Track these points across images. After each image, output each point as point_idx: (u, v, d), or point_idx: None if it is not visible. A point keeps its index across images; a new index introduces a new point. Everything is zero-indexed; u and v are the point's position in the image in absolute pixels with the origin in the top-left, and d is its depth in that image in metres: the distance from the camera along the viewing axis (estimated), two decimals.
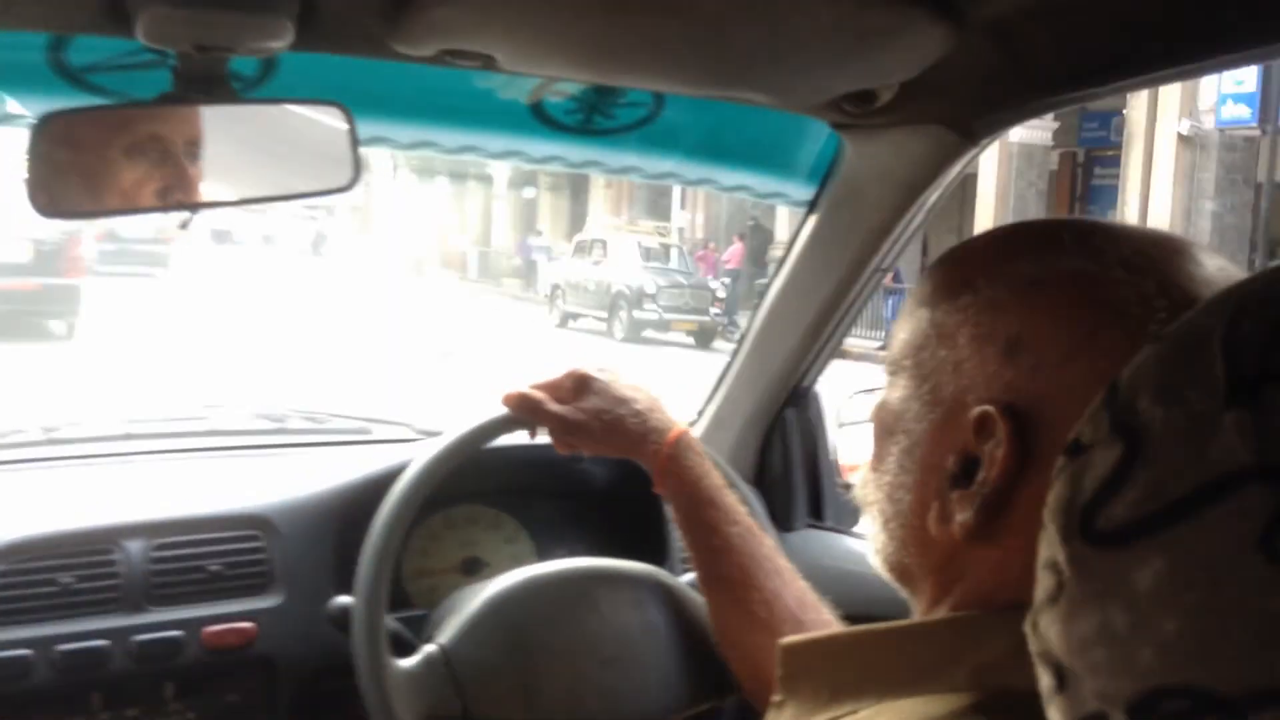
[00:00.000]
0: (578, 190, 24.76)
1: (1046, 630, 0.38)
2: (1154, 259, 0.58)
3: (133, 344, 10.47)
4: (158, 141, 0.96)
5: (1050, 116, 11.85)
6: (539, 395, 1.11)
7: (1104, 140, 15.29)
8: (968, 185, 13.70)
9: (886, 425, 0.66)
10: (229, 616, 1.23)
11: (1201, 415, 0.34)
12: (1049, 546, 0.39)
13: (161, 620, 1.21)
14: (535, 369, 1.16)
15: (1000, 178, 14.31)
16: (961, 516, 0.58)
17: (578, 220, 23.70)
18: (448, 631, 1.09)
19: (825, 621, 1.06)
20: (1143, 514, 0.35)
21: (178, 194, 0.98)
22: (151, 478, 1.42)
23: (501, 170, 23.54)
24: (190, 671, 1.22)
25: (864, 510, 0.69)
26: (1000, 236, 0.66)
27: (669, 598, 1.16)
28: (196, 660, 1.21)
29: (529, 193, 25.55)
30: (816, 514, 1.60)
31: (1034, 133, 13.98)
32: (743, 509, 1.10)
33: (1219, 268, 0.59)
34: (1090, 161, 16.54)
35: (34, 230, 10.42)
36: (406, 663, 1.06)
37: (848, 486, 1.63)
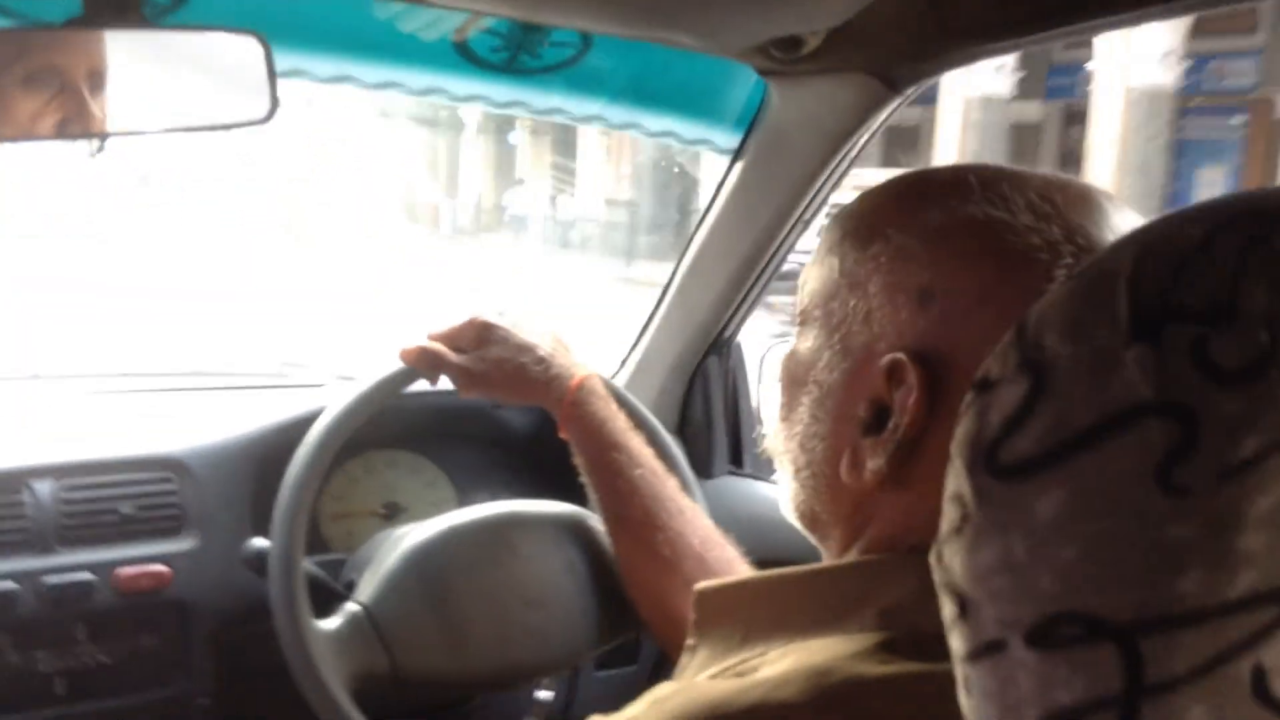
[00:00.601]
0: (565, 139, 21.66)
1: (950, 560, 0.39)
2: (1060, 205, 0.59)
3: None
4: (56, 72, 0.92)
5: None
6: (438, 347, 1.11)
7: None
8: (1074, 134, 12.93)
9: (796, 376, 0.66)
10: (142, 559, 1.21)
11: (1105, 351, 0.35)
12: (955, 480, 0.40)
13: (72, 562, 1.18)
14: (436, 320, 1.15)
15: (1123, 128, 13.18)
16: (873, 463, 0.59)
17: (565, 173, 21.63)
18: (368, 588, 1.08)
19: (730, 559, 1.08)
20: (1045, 447, 0.36)
21: (77, 125, 0.94)
22: (61, 419, 1.39)
23: (473, 114, 21.62)
24: (103, 615, 1.19)
25: (775, 460, 0.70)
26: (907, 184, 0.66)
27: (586, 536, 1.17)
28: (109, 604, 1.19)
29: (513, 138, 23.42)
30: (737, 462, 1.61)
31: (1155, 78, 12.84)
32: (648, 452, 1.11)
33: (1122, 214, 0.60)
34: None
35: None
36: (329, 624, 1.05)
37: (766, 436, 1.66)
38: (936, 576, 0.41)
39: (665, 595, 1.06)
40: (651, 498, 1.08)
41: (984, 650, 0.37)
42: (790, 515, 0.69)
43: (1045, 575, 0.35)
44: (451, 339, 1.12)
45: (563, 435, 1.12)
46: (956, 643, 0.39)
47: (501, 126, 22.81)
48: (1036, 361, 0.37)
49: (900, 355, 0.58)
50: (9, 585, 1.14)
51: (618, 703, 0.59)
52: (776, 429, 0.69)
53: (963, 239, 0.59)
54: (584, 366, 1.14)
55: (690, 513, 1.10)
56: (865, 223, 0.64)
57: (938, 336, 0.58)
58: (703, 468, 1.55)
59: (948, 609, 0.40)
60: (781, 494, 0.69)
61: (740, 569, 1.07)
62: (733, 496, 1.51)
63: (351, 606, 1.07)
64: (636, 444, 1.11)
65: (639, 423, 1.19)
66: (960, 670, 0.39)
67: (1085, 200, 0.60)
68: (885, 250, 0.61)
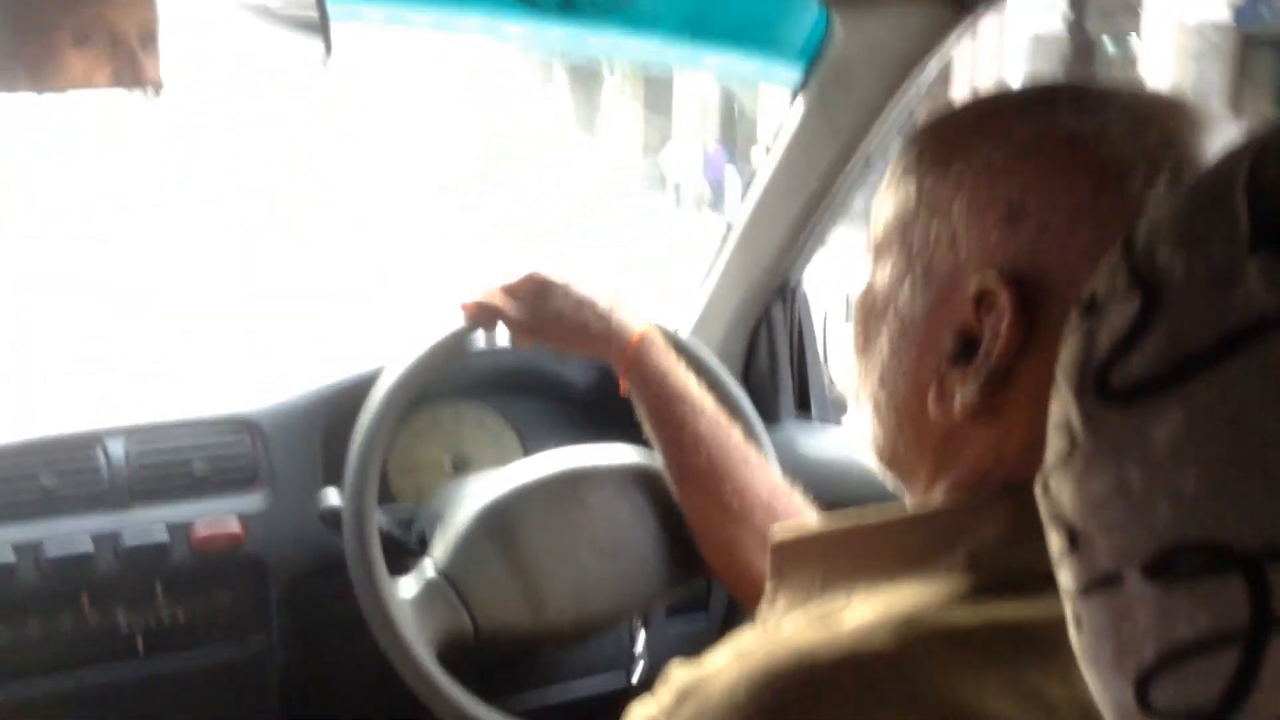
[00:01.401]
0: (657, 93, 19.29)
1: (1058, 491, 0.37)
2: (1154, 114, 0.55)
3: None
4: (108, 28, 0.92)
5: None
6: (498, 300, 1.10)
7: None
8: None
9: (873, 309, 0.63)
10: (216, 516, 1.23)
11: (1224, 263, 0.32)
12: (1061, 405, 0.37)
13: (147, 520, 1.20)
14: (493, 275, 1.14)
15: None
16: (962, 395, 0.56)
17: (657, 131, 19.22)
18: (443, 551, 1.09)
19: (797, 508, 1.07)
20: (1161, 367, 0.33)
21: (129, 77, 0.94)
22: (134, 382, 1.41)
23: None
24: (179, 572, 1.22)
25: (852, 399, 0.67)
26: (989, 100, 0.62)
27: (652, 483, 1.16)
28: (185, 561, 1.21)
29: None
30: (804, 407, 1.59)
31: None
32: (711, 402, 1.10)
33: (1218, 122, 0.56)
34: None
35: None
36: (408, 589, 1.06)
37: (834, 382, 1.63)
38: (1042, 508, 0.38)
39: (735, 546, 1.04)
40: (717, 448, 1.06)
41: (1098, 584, 0.35)
42: (870, 455, 0.66)
43: (1163, 503, 0.33)
44: (511, 293, 1.12)
45: (623, 390, 1.11)
46: (1066, 577, 0.37)
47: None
48: (1148, 277, 0.35)
49: (990, 278, 0.55)
50: (87, 546, 1.16)
51: (690, 649, 0.58)
52: (852, 366, 0.66)
53: (1054, 151, 0.55)
54: (644, 319, 1.13)
55: (756, 461, 1.08)
56: (945, 141, 0.60)
57: (1030, 256, 0.54)
58: (769, 414, 1.53)
59: (1055, 542, 0.37)
60: (859, 433, 0.67)
61: (809, 516, 1.06)
62: (800, 442, 1.49)
63: (429, 571, 1.07)
64: (699, 395, 1.09)
65: (703, 372, 1.17)
66: (1070, 606, 0.37)
67: (1179, 109, 0.56)
68: (969, 168, 0.57)
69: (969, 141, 0.58)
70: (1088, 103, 0.56)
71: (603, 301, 1.12)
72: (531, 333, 1.11)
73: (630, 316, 1.12)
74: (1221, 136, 0.55)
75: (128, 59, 0.93)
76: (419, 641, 1.02)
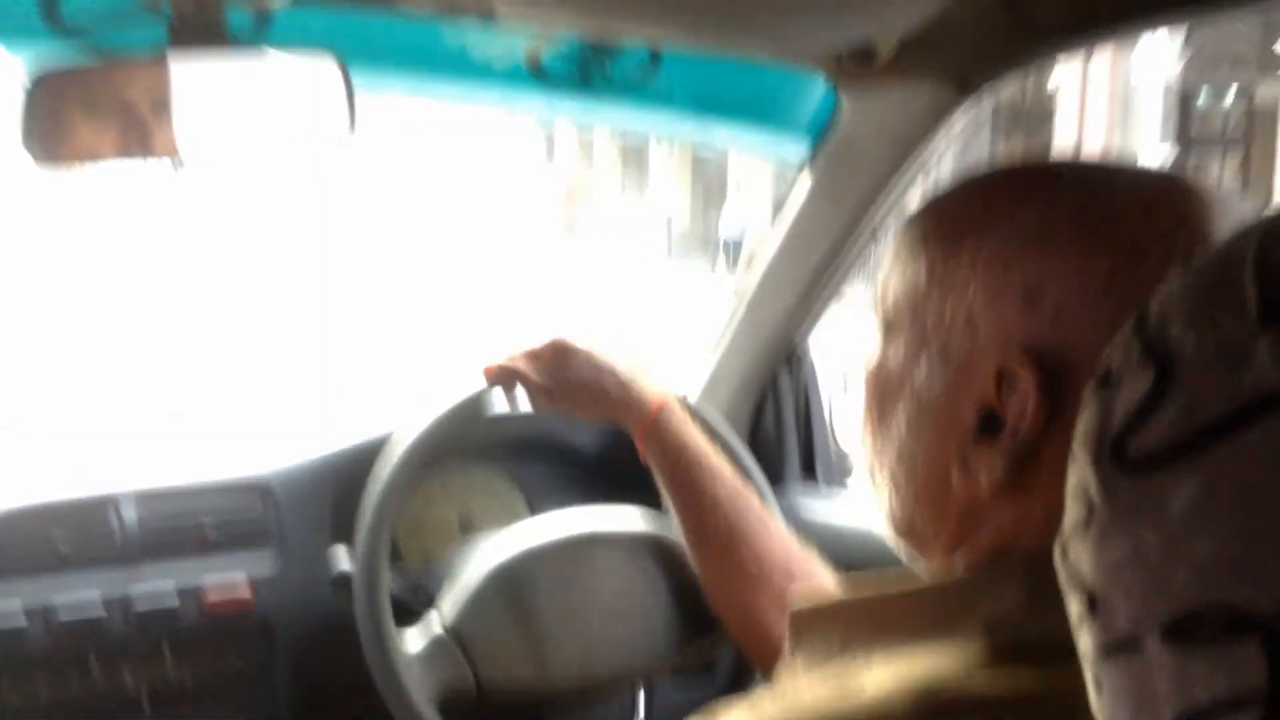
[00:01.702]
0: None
1: (1077, 556, 0.38)
2: (1165, 195, 0.57)
3: None
4: (120, 102, 0.93)
5: None
6: (520, 365, 1.12)
7: None
8: None
9: (888, 388, 0.63)
10: (227, 580, 1.23)
11: (1234, 340, 0.34)
12: (1079, 473, 0.38)
13: (158, 580, 1.21)
14: (516, 338, 1.16)
15: None
16: (988, 472, 0.57)
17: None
18: (450, 608, 1.09)
19: (815, 572, 1.07)
20: (1175, 438, 0.35)
21: (139, 150, 0.95)
22: (147, 449, 1.42)
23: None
24: (188, 635, 1.22)
25: (870, 474, 0.67)
26: (990, 184, 0.62)
27: (661, 549, 1.17)
28: (194, 625, 1.21)
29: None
30: (809, 471, 1.60)
31: None
32: (729, 470, 1.11)
33: (1226, 202, 0.58)
34: None
35: None
36: (414, 644, 1.07)
37: (843, 450, 1.64)
38: (1061, 574, 0.40)
39: (754, 612, 1.05)
40: (736, 515, 1.07)
41: (1117, 648, 0.36)
42: (885, 526, 0.67)
43: (1181, 569, 0.34)
44: (533, 357, 1.13)
45: (642, 457, 1.12)
46: (1085, 641, 0.38)
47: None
48: (1161, 352, 0.36)
49: (1012, 358, 0.55)
50: (98, 611, 1.17)
51: (695, 711, 0.58)
52: (866, 442, 0.66)
53: (1066, 236, 0.56)
54: (663, 387, 1.14)
55: (774, 528, 1.09)
56: (950, 225, 0.61)
57: (1049, 336, 0.55)
58: (775, 478, 1.54)
59: (1075, 607, 0.38)
60: (873, 506, 0.67)
61: (825, 580, 1.06)
62: (807, 507, 1.50)
63: (436, 627, 1.08)
64: (717, 462, 1.10)
65: (717, 440, 1.19)
66: (1090, 670, 0.38)
67: (1186, 190, 0.57)
68: (979, 255, 0.58)
69: (977, 225, 0.59)
70: (1096, 183, 0.58)
71: (623, 368, 1.13)
72: (552, 397, 1.12)
73: (650, 384, 1.13)
74: (1231, 216, 0.56)
75: (137, 129, 0.95)
76: (421, 696, 1.03)
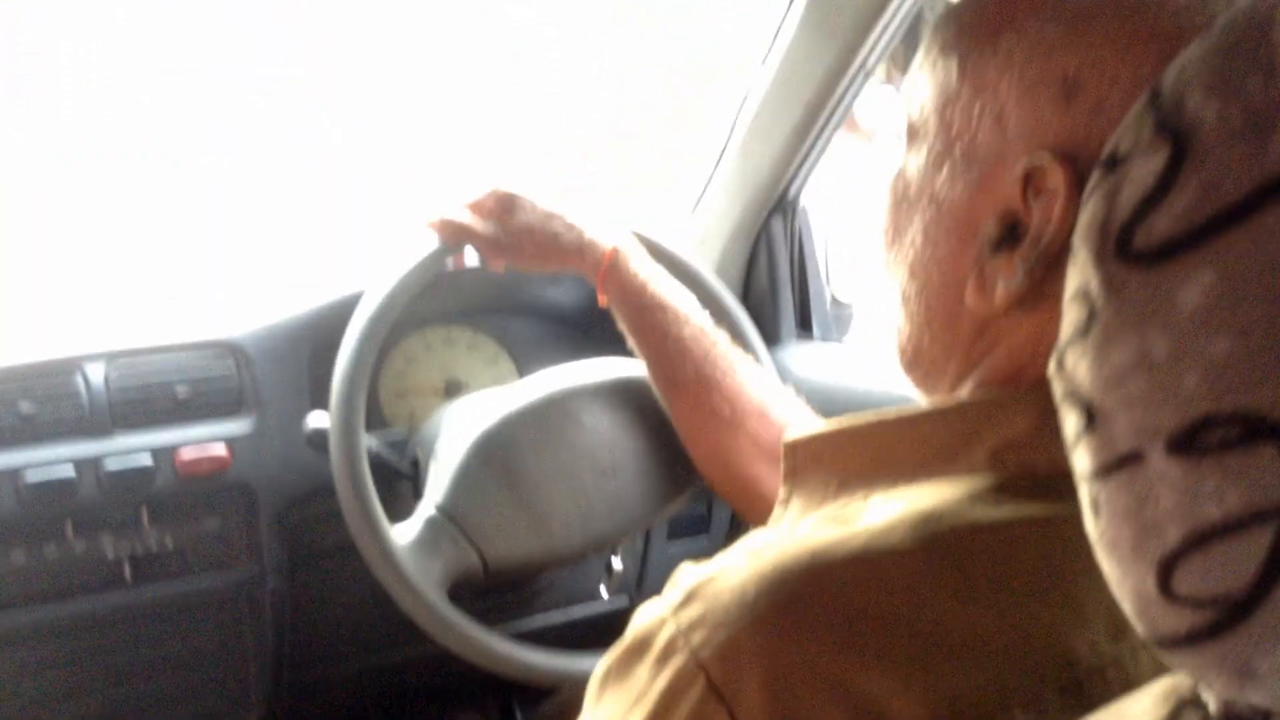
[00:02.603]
0: None
1: (1075, 366, 0.34)
2: None
3: None
4: None
5: None
6: (464, 218, 1.06)
7: None
8: None
9: (906, 197, 0.59)
10: (201, 441, 1.20)
11: (1260, 107, 0.29)
12: (1079, 274, 0.34)
13: (130, 445, 1.18)
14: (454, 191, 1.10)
15: None
16: (1005, 283, 0.53)
17: None
18: (440, 489, 1.06)
19: (793, 411, 1.03)
20: (1190, 224, 0.30)
21: None
22: (115, 312, 1.37)
23: None
24: (165, 498, 1.19)
25: (883, 290, 0.63)
26: None
27: (641, 394, 1.13)
28: (170, 487, 1.19)
29: None
30: (805, 326, 1.56)
31: None
32: (695, 308, 1.06)
33: None
34: None
35: None
36: (409, 531, 1.03)
37: (840, 301, 1.59)
38: (1057, 388, 0.35)
39: (730, 455, 1.01)
40: (702, 356, 1.03)
41: (1117, 464, 0.32)
42: (895, 353, 0.63)
43: (1191, 372, 0.30)
44: (474, 208, 1.08)
45: (601, 303, 1.08)
46: (1083, 459, 0.34)
47: None
48: (1176, 126, 0.31)
49: (1041, 157, 0.51)
50: (68, 471, 1.14)
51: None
52: (881, 259, 0.62)
53: (1114, 20, 0.50)
54: (620, 230, 1.09)
55: (745, 367, 1.05)
56: (989, 14, 0.55)
57: (1086, 133, 0.50)
58: (770, 334, 1.50)
59: (1072, 422, 0.34)
60: (885, 329, 0.63)
61: (807, 418, 1.03)
62: (803, 361, 1.46)
63: (429, 511, 1.04)
64: (682, 301, 1.05)
65: (692, 281, 1.14)
66: (1087, 490, 0.34)
67: None
68: (1019, 41, 0.53)
69: (1017, 14, 0.54)
70: None
71: (570, 214, 1.07)
72: (501, 249, 1.07)
73: (601, 227, 1.08)
74: None
75: None
76: (426, 583, 1.00)
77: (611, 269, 1.05)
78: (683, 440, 1.07)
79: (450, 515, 1.04)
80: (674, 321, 1.04)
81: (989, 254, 0.54)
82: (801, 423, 0.94)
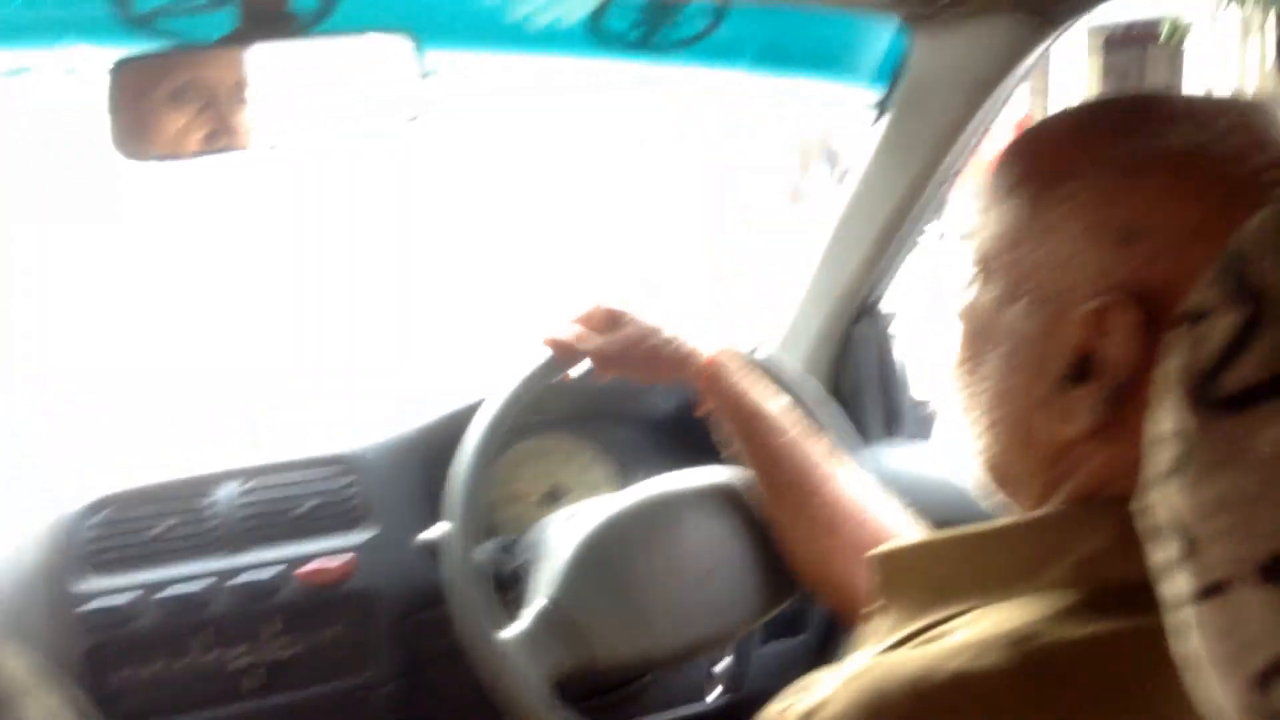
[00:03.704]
0: None
1: (1173, 499, 0.37)
2: (1261, 133, 0.55)
3: None
4: (202, 86, 0.95)
5: None
6: (575, 330, 1.13)
7: None
8: None
9: (980, 329, 0.63)
10: (324, 553, 1.26)
11: None
12: (1170, 415, 0.38)
13: (258, 560, 1.24)
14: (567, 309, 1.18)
15: None
16: (1084, 416, 0.56)
17: None
18: (548, 584, 1.09)
19: (889, 516, 1.06)
20: (1266, 376, 0.34)
21: (224, 139, 0.97)
22: (241, 424, 1.45)
23: None
24: (289, 609, 1.24)
25: (962, 414, 0.66)
26: (1092, 115, 0.61)
27: (741, 500, 1.16)
28: (294, 597, 1.24)
29: None
30: (891, 427, 1.58)
31: None
32: (793, 417, 1.10)
33: None
34: None
35: None
36: (519, 626, 1.06)
37: (922, 402, 1.62)
38: (1151, 517, 0.39)
39: (827, 559, 1.05)
40: (801, 462, 1.07)
41: (1212, 590, 0.35)
42: (979, 470, 0.66)
43: (1273, 510, 0.33)
44: (583, 323, 1.15)
45: (704, 410, 1.13)
46: (1180, 584, 0.37)
47: None
48: (1251, 287, 0.35)
49: (1112, 297, 0.55)
50: (199, 586, 1.20)
51: (789, 672, 0.58)
52: (959, 382, 0.66)
53: (1168, 171, 0.55)
54: (716, 342, 1.14)
55: (843, 473, 1.08)
56: (1050, 161, 0.60)
57: (1147, 276, 0.54)
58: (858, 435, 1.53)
59: (1169, 550, 0.38)
60: (969, 449, 0.67)
61: (902, 525, 1.05)
62: (892, 461, 1.49)
63: (540, 602, 1.07)
64: (780, 410, 1.10)
65: (787, 389, 1.18)
66: (1183, 613, 0.37)
67: (1276, 124, 0.56)
68: (1080, 189, 0.57)
69: (1076, 161, 0.58)
70: (1198, 117, 0.56)
71: (670, 327, 1.14)
72: (608, 361, 1.13)
73: (699, 339, 1.14)
74: None
75: (221, 116, 0.96)
76: (532, 679, 1.02)
77: (711, 378, 1.10)
78: (784, 545, 1.10)
79: (561, 606, 1.07)
80: (773, 429, 1.08)
81: (1067, 386, 0.57)
82: (895, 532, 0.97)
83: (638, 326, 1.14)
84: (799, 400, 1.21)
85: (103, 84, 0.88)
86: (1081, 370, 0.57)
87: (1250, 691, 0.34)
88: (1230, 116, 0.56)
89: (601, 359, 1.13)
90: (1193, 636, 0.37)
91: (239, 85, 0.96)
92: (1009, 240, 0.61)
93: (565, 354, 1.13)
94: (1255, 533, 0.34)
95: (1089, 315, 0.55)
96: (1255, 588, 0.34)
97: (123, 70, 0.88)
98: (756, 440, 1.08)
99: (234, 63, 0.96)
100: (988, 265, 0.63)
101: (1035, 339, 0.59)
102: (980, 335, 0.63)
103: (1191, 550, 0.36)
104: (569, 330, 1.14)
